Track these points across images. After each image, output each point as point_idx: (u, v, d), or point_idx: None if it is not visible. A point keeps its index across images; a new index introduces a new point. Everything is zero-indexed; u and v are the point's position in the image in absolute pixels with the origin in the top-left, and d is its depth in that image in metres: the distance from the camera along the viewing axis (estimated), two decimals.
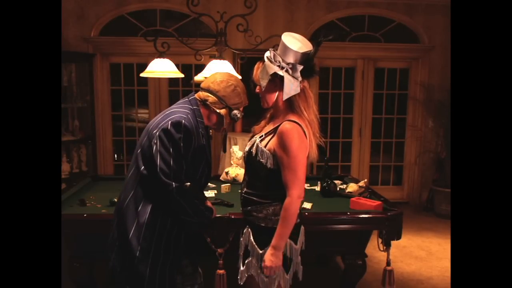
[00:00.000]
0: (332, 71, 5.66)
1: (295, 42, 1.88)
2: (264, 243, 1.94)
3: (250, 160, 1.98)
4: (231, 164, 3.51)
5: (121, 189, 2.08)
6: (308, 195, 2.80)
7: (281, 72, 1.87)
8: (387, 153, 5.96)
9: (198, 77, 3.77)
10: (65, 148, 5.05)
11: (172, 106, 2.05)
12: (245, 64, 3.75)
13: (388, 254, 2.54)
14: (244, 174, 2.09)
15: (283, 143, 1.85)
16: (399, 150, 5.94)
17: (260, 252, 1.95)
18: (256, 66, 2.00)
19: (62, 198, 2.76)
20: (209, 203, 2.18)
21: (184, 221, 1.99)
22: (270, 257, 1.89)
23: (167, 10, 5.38)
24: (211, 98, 2.02)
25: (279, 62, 1.87)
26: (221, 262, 2.41)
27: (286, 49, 1.87)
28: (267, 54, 1.92)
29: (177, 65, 3.28)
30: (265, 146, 1.91)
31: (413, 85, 5.68)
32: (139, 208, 1.92)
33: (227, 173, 3.43)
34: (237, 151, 3.51)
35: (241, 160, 3.55)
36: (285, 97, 1.88)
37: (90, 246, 2.55)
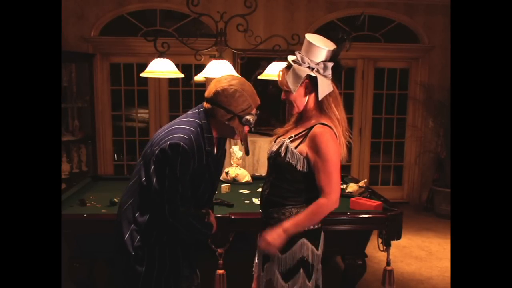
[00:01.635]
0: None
1: (322, 41, 1.88)
2: (285, 246, 1.86)
3: (277, 160, 1.90)
4: (231, 164, 3.51)
5: (121, 189, 2.07)
6: None
7: (312, 73, 1.85)
8: (387, 153, 5.96)
9: (198, 77, 3.78)
10: (65, 148, 5.05)
11: (180, 117, 1.93)
12: (245, 64, 3.76)
13: (388, 254, 2.54)
14: (267, 175, 2.01)
15: (316, 147, 1.81)
16: (399, 150, 5.94)
17: (281, 256, 1.88)
18: (279, 73, 1.94)
19: (62, 198, 2.76)
20: (212, 217, 2.06)
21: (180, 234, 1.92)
22: (273, 235, 1.83)
23: (167, 10, 5.38)
24: (217, 109, 1.84)
25: (308, 63, 1.85)
26: (221, 262, 2.41)
27: (315, 49, 1.85)
28: (293, 58, 1.89)
29: (177, 65, 3.28)
30: (295, 148, 1.86)
31: (413, 85, 5.68)
32: (136, 215, 1.89)
33: (227, 173, 3.43)
34: (237, 151, 3.51)
35: (241, 160, 3.55)
36: (321, 96, 1.85)
37: (90, 246, 2.55)
